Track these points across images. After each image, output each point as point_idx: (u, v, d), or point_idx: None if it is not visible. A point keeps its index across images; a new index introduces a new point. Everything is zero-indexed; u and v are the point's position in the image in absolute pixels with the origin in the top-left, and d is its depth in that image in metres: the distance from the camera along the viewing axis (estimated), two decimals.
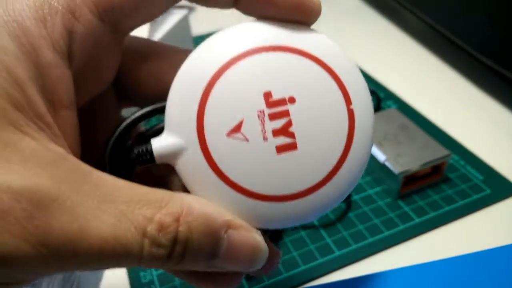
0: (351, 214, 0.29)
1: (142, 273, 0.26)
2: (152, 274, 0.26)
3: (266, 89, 0.15)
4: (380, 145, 0.30)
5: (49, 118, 0.14)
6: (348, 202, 0.30)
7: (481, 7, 0.38)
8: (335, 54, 0.17)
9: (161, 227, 0.13)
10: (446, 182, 0.31)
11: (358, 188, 0.31)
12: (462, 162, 0.32)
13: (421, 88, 0.41)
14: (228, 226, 0.15)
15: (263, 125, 0.15)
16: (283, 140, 0.15)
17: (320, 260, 0.26)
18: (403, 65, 0.44)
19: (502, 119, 0.37)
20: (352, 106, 0.16)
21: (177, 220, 0.14)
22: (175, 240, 0.14)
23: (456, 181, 0.31)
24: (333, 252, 0.27)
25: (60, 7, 0.14)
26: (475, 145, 0.34)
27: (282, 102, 0.15)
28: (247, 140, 0.15)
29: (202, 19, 0.53)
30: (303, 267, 0.26)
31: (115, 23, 0.15)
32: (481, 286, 0.24)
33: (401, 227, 0.28)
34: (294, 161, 0.15)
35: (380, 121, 0.32)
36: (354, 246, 0.27)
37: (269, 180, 0.15)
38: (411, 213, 0.29)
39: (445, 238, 0.27)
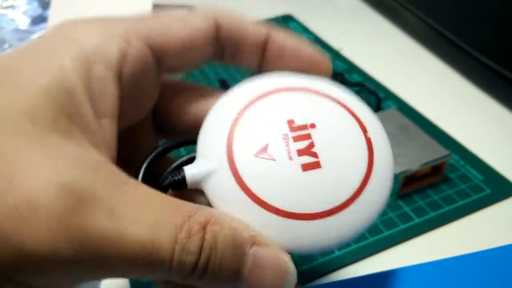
0: None
1: None
2: None
3: (289, 117, 0.16)
4: None
5: (94, 126, 0.15)
6: None
7: (481, 7, 0.38)
8: (351, 95, 0.18)
9: (189, 234, 0.14)
10: (446, 182, 0.31)
11: None
12: (462, 162, 0.32)
13: (421, 88, 0.41)
14: (254, 241, 0.14)
15: (288, 146, 0.16)
16: (307, 159, 0.16)
17: (320, 260, 0.26)
18: (403, 65, 0.44)
19: (502, 119, 0.37)
20: (368, 134, 0.17)
21: (204, 227, 0.14)
22: (201, 247, 0.14)
23: (456, 181, 0.31)
24: (333, 252, 0.27)
25: (117, 34, 0.16)
26: (475, 145, 0.34)
27: (304, 127, 0.16)
28: (273, 159, 0.16)
29: None
30: (303, 267, 0.26)
31: (160, 59, 0.17)
32: (481, 286, 0.24)
33: (401, 227, 0.28)
34: (319, 179, 0.15)
35: (380, 121, 0.32)
36: (354, 246, 0.27)
37: (296, 198, 0.15)
38: (411, 213, 0.29)
39: (445, 238, 0.27)
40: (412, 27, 0.50)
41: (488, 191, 0.30)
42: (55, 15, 0.40)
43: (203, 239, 0.14)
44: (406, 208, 0.29)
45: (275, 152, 0.16)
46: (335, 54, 0.45)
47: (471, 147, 0.33)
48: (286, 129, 0.16)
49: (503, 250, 0.26)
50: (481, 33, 0.38)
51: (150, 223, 0.13)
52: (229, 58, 0.19)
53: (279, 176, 0.15)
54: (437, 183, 0.30)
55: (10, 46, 0.44)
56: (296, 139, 0.16)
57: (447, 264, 0.26)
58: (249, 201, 0.15)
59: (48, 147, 0.13)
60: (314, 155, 0.16)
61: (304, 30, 0.50)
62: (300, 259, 0.26)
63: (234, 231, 0.14)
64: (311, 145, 0.16)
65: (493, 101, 0.38)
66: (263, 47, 0.18)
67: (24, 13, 0.47)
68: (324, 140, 0.16)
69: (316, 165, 0.16)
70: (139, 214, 0.13)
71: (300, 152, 0.16)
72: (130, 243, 0.13)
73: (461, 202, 0.29)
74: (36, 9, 0.47)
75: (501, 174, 0.31)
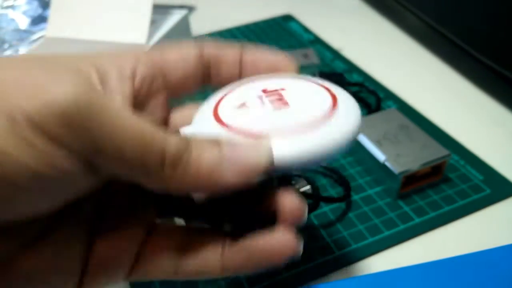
0: (351, 214, 0.29)
1: None
2: None
3: (263, 87, 0.20)
4: (380, 145, 0.30)
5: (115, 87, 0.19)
6: (348, 202, 0.30)
7: (481, 7, 0.38)
8: (327, 82, 0.21)
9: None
10: (446, 182, 0.31)
11: (358, 188, 0.31)
12: (462, 162, 0.32)
13: (421, 88, 0.41)
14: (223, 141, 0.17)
15: (261, 100, 0.19)
16: (277, 103, 0.19)
17: (320, 260, 0.26)
18: (403, 65, 0.44)
19: (502, 119, 0.37)
20: (332, 92, 0.20)
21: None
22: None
23: (456, 181, 0.31)
24: (333, 252, 0.27)
25: (131, 54, 0.20)
26: (475, 145, 0.34)
27: (275, 91, 0.20)
28: (248, 107, 0.19)
29: (202, 19, 0.53)
30: (302, 267, 0.26)
31: (163, 76, 0.21)
32: (481, 286, 0.24)
33: (401, 227, 0.28)
34: (289, 113, 0.19)
35: (380, 121, 0.32)
36: (354, 246, 0.27)
37: (271, 125, 0.18)
38: (411, 213, 0.29)
39: (445, 238, 0.27)
40: (412, 27, 0.50)
41: (488, 191, 0.30)
42: (55, 15, 0.40)
43: (186, 140, 0.16)
44: (406, 208, 0.29)
45: (251, 103, 0.19)
46: (335, 54, 0.45)
47: (471, 147, 0.33)
48: (260, 93, 0.20)
49: (503, 250, 0.26)
50: (481, 33, 0.38)
51: (145, 120, 0.16)
52: (214, 77, 0.22)
53: (255, 114, 0.19)
54: (437, 183, 0.30)
55: (10, 46, 0.44)
56: (269, 95, 0.20)
57: (447, 264, 0.26)
58: (231, 134, 0.18)
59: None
60: (284, 101, 0.19)
61: (304, 30, 0.50)
62: (300, 259, 0.26)
63: (206, 139, 0.17)
64: (281, 97, 0.19)
65: (493, 101, 0.39)
66: (240, 60, 0.22)
67: (24, 13, 0.47)
68: (292, 93, 0.20)
69: (284, 104, 0.19)
70: (133, 114, 0.15)
71: (272, 101, 0.19)
72: (128, 128, 0.15)
73: (461, 202, 0.29)
74: (36, 9, 0.47)
75: (501, 174, 0.31)
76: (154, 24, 0.39)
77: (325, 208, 0.29)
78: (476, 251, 0.26)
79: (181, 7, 0.45)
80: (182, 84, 0.21)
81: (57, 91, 0.14)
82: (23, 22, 0.46)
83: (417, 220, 0.28)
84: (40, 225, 0.17)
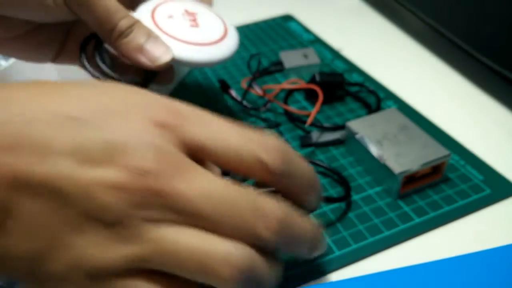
0: (351, 214, 0.29)
1: None
2: None
3: (185, 8, 0.31)
4: (380, 145, 0.30)
5: None
6: (348, 202, 0.30)
7: (481, 7, 0.38)
8: (225, 18, 0.33)
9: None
10: (446, 182, 0.31)
11: (358, 188, 0.31)
12: (462, 162, 0.32)
13: (421, 88, 0.41)
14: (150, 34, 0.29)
15: (183, 17, 0.31)
16: (192, 23, 0.30)
17: (320, 260, 0.26)
18: (403, 65, 0.44)
19: (502, 119, 0.37)
20: (226, 26, 0.32)
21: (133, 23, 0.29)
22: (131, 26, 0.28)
23: (456, 181, 0.31)
24: (333, 252, 0.27)
25: None
26: (475, 145, 0.34)
27: (193, 13, 0.31)
28: (173, 19, 0.30)
29: None
30: (303, 267, 0.26)
31: None
32: (481, 286, 0.24)
33: (401, 227, 0.28)
34: (199, 30, 0.30)
35: (380, 121, 0.32)
36: (354, 246, 0.27)
37: (191, 35, 0.30)
38: (411, 213, 0.29)
39: (445, 238, 0.27)
40: (412, 27, 0.50)
41: (488, 191, 0.30)
42: None
43: (132, 23, 0.28)
44: (406, 208, 0.29)
45: (176, 17, 0.30)
46: (335, 54, 0.45)
47: (471, 147, 0.33)
48: (183, 11, 0.31)
49: (503, 250, 0.26)
50: (481, 33, 0.38)
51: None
52: None
53: (177, 25, 0.30)
54: (437, 183, 0.30)
55: None
56: (187, 15, 0.31)
57: (447, 264, 0.26)
58: (157, 32, 0.29)
59: None
60: (196, 22, 0.31)
61: (304, 30, 0.50)
62: (301, 259, 0.26)
63: (147, 28, 0.29)
64: (195, 19, 0.31)
65: (493, 101, 0.39)
66: None
67: None
68: (202, 19, 0.31)
69: (196, 25, 0.30)
70: None
71: (189, 20, 0.31)
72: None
73: (461, 202, 0.29)
74: None
75: (501, 174, 0.31)
76: None
77: (325, 208, 0.29)
78: (476, 251, 0.26)
79: None
80: None
81: None
82: None
83: (417, 220, 0.28)
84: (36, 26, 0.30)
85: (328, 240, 0.27)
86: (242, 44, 0.48)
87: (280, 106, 0.37)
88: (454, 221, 0.28)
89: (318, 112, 0.37)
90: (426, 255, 0.26)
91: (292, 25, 0.51)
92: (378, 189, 0.30)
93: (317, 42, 0.48)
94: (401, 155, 0.29)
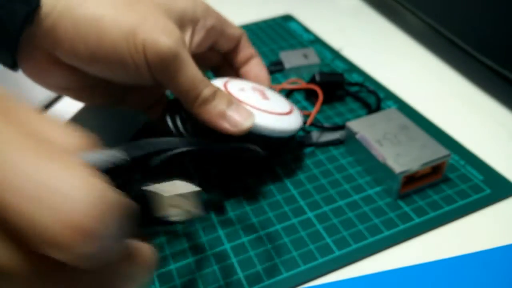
0: (351, 214, 0.29)
1: None
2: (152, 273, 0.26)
3: (252, 85, 0.32)
4: (380, 145, 0.30)
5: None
6: (348, 202, 0.30)
7: (481, 6, 0.38)
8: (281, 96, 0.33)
9: (210, 88, 0.27)
10: (446, 182, 0.31)
11: (358, 188, 0.31)
12: (462, 162, 0.32)
13: (421, 88, 0.41)
14: (231, 101, 0.28)
15: (253, 90, 0.31)
16: (263, 96, 0.31)
17: (320, 260, 0.26)
18: (403, 65, 0.44)
19: (502, 119, 0.37)
20: (291, 105, 0.32)
21: (216, 89, 0.28)
22: (214, 92, 0.27)
23: (456, 181, 0.31)
24: (333, 252, 0.27)
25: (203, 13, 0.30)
26: (475, 145, 0.34)
27: (261, 90, 0.31)
28: (245, 92, 0.30)
29: None
30: (303, 267, 0.26)
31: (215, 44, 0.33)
32: (481, 286, 0.24)
33: (401, 227, 0.28)
34: (270, 102, 0.30)
35: (380, 121, 0.32)
36: (354, 246, 0.27)
37: (265, 106, 0.30)
38: (411, 213, 0.29)
39: (445, 238, 0.27)
40: (412, 27, 0.50)
41: (488, 191, 0.30)
42: None
43: (215, 90, 0.27)
44: (406, 208, 0.29)
45: (247, 90, 0.31)
46: (335, 54, 0.45)
47: (471, 147, 0.33)
48: (252, 87, 0.31)
49: (503, 250, 0.26)
50: (481, 33, 0.38)
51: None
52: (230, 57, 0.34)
53: (250, 96, 0.30)
54: (437, 183, 0.30)
55: None
56: (257, 90, 0.31)
57: (447, 264, 0.26)
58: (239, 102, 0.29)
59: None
60: (266, 96, 0.31)
61: (304, 30, 0.50)
62: (301, 259, 0.26)
63: (228, 95, 0.28)
64: (264, 94, 0.31)
65: (493, 101, 0.39)
66: (249, 58, 0.34)
67: None
68: (270, 95, 0.31)
69: (266, 98, 0.31)
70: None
71: (259, 94, 0.31)
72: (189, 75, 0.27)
73: (461, 202, 0.29)
74: None
75: (501, 174, 0.31)
76: None
77: (325, 208, 0.29)
78: (476, 251, 0.26)
79: None
80: (219, 55, 0.34)
81: (165, 44, 0.25)
82: None
83: (417, 220, 0.28)
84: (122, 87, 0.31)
85: (328, 240, 0.27)
86: None
87: None
88: (454, 221, 0.28)
89: (318, 112, 0.37)
90: (426, 255, 0.26)
91: (292, 25, 0.51)
92: (378, 189, 0.30)
93: (317, 42, 0.48)
94: (401, 155, 0.29)
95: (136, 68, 0.26)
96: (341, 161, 0.33)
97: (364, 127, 0.32)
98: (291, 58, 0.42)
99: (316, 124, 0.35)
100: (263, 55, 0.45)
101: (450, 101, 0.39)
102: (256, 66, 0.34)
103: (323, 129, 0.35)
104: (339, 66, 0.43)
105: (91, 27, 0.25)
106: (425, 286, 0.25)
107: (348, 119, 0.34)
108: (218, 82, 0.30)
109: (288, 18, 0.52)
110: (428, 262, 0.26)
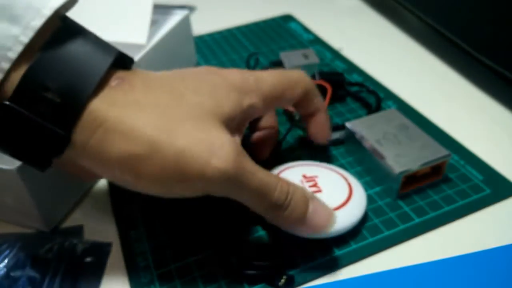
0: None
1: (142, 273, 0.26)
2: (153, 273, 0.26)
3: (303, 173, 0.29)
4: (380, 145, 0.30)
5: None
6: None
7: (481, 7, 0.38)
8: (344, 171, 0.30)
9: (282, 188, 0.24)
10: (446, 182, 0.31)
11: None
12: (462, 162, 0.32)
13: (421, 88, 0.41)
14: (313, 197, 0.25)
15: (302, 184, 0.28)
16: (313, 188, 0.28)
17: (320, 260, 0.26)
18: (403, 65, 0.44)
19: (502, 119, 0.37)
20: (349, 181, 0.29)
21: (288, 185, 0.25)
22: (287, 195, 0.24)
23: (456, 181, 0.31)
24: (333, 252, 0.27)
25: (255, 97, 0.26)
26: (475, 145, 0.34)
27: (311, 177, 0.29)
28: None
29: (203, 19, 0.53)
30: (303, 267, 0.26)
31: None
32: (481, 286, 0.24)
33: (401, 227, 0.28)
34: (322, 195, 0.27)
35: (380, 121, 0.32)
36: (354, 246, 0.27)
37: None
38: (411, 213, 0.29)
39: (445, 238, 0.27)
40: (412, 27, 0.50)
41: (488, 191, 0.30)
42: None
43: (288, 191, 0.24)
44: (406, 208, 0.29)
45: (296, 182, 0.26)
46: (335, 54, 0.45)
47: (471, 147, 0.33)
48: (301, 177, 0.29)
49: (503, 250, 0.26)
50: (481, 33, 0.38)
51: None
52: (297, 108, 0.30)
53: None
54: (437, 183, 0.30)
55: None
56: (307, 180, 0.29)
57: (447, 264, 0.26)
58: None
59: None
60: (318, 187, 0.28)
61: (304, 30, 0.50)
62: (301, 259, 0.26)
63: (303, 190, 0.25)
64: (316, 183, 0.28)
65: (493, 101, 0.39)
66: (313, 114, 0.30)
67: None
68: (323, 181, 0.28)
69: (319, 189, 0.28)
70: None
71: (309, 186, 0.28)
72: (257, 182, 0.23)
73: (461, 202, 0.29)
74: None
75: (501, 174, 0.31)
76: (155, 24, 0.39)
77: None
78: (476, 251, 0.26)
79: (182, 7, 0.45)
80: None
81: (221, 165, 0.22)
82: None
83: (417, 220, 0.28)
84: None
85: (328, 240, 0.27)
86: (242, 44, 0.48)
87: None
88: (454, 221, 0.28)
89: None
90: (426, 255, 0.26)
91: (292, 25, 0.51)
92: (378, 189, 0.31)
93: (317, 42, 0.48)
94: (401, 155, 0.29)
95: (193, 193, 0.23)
96: (341, 161, 0.33)
97: (364, 127, 0.32)
98: (291, 58, 0.42)
99: None
100: (263, 55, 0.45)
101: (450, 101, 0.39)
102: (318, 123, 0.30)
103: None
104: (339, 66, 0.43)
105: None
106: (425, 286, 0.25)
107: (348, 119, 0.34)
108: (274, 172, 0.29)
109: (288, 18, 0.52)
110: (428, 262, 0.26)
